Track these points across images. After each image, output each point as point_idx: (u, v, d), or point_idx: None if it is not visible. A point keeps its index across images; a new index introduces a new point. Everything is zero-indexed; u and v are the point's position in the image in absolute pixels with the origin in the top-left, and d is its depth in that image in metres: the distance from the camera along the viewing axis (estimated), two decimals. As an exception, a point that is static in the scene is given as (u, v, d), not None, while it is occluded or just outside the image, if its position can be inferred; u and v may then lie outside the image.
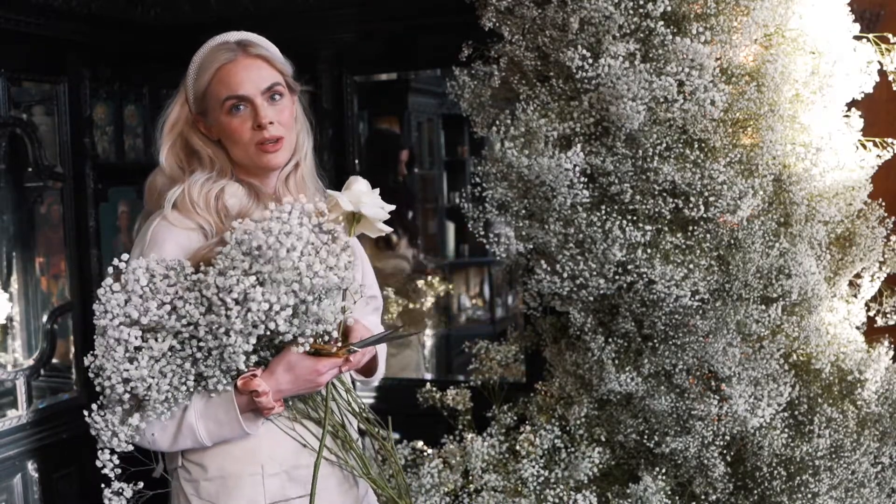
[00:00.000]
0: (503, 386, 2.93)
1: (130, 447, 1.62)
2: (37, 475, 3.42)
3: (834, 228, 2.44)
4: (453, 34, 2.59)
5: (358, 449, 1.80)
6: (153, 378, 1.58)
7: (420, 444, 2.90)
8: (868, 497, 2.35)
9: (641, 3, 2.18)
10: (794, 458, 2.30)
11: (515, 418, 2.69)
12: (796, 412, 2.36)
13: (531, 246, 2.40)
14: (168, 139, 1.84)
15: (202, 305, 1.57)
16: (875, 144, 2.44)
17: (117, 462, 1.61)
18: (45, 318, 3.56)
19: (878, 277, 2.50)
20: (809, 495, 2.28)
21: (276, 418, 1.75)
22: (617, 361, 2.38)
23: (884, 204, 2.47)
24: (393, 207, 1.72)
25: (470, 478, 2.61)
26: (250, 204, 1.80)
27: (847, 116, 2.42)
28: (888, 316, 2.52)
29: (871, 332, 2.50)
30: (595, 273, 2.29)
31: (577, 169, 2.23)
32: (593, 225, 2.27)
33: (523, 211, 2.38)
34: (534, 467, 2.44)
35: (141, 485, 1.65)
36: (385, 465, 1.93)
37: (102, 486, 1.62)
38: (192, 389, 1.64)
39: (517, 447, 2.55)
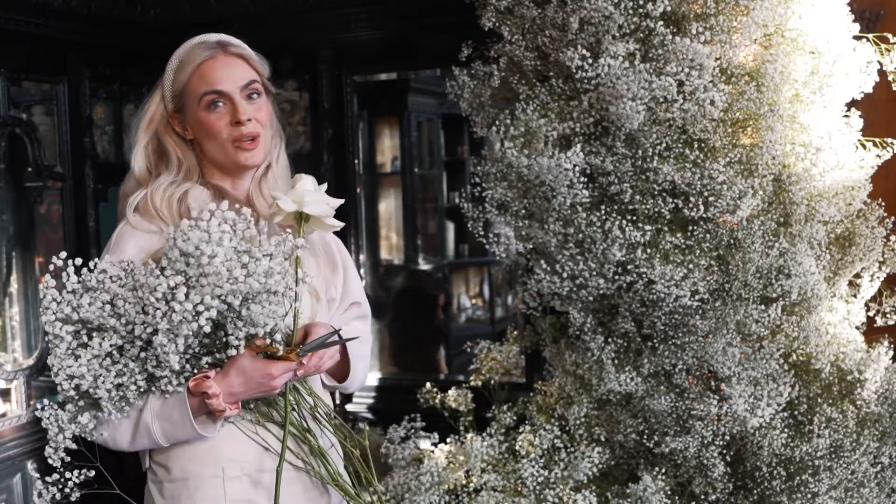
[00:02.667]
0: (503, 386, 2.93)
1: (73, 445, 1.63)
2: (36, 475, 3.41)
3: (834, 228, 2.44)
4: (453, 34, 2.59)
5: (328, 455, 1.77)
6: (95, 376, 1.59)
7: (421, 444, 2.91)
8: (868, 497, 2.35)
9: (641, 2, 2.18)
10: (793, 458, 2.30)
11: (515, 418, 2.70)
12: (796, 412, 2.36)
13: (531, 246, 2.40)
14: (143, 138, 1.86)
15: (139, 305, 1.58)
16: (875, 144, 2.44)
17: (63, 456, 1.63)
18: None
19: (878, 277, 2.50)
20: (809, 495, 2.28)
21: (239, 421, 1.74)
22: (616, 361, 2.38)
23: (883, 204, 2.47)
24: (341, 202, 1.70)
25: (470, 477, 2.61)
26: (214, 207, 1.81)
27: (847, 116, 2.42)
28: (888, 316, 2.52)
29: (871, 332, 2.50)
30: (595, 273, 2.29)
31: (577, 169, 2.23)
32: (593, 225, 2.27)
33: (523, 211, 2.39)
34: (533, 467, 2.44)
35: (93, 473, 1.67)
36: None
37: (37, 476, 1.65)
38: (142, 389, 1.64)
39: (517, 447, 2.55)
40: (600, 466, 2.44)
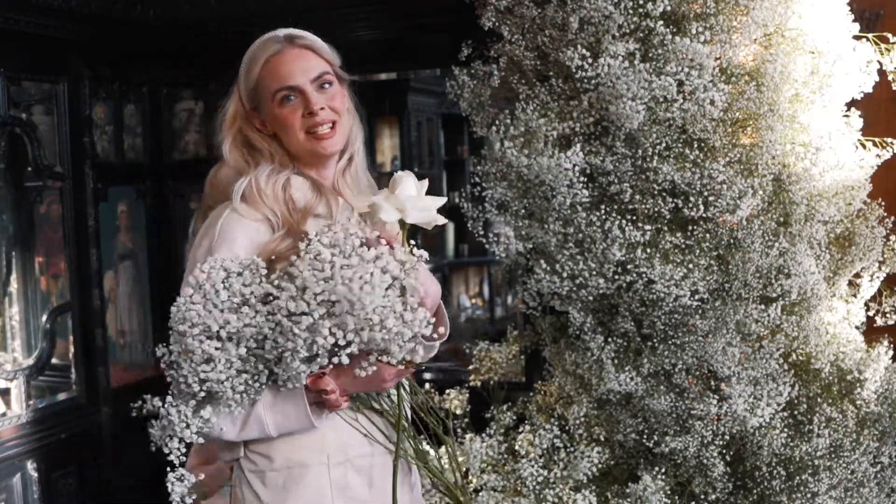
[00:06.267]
0: (503, 386, 2.93)
1: (201, 440, 1.64)
2: (36, 475, 3.42)
3: (833, 228, 2.44)
4: (453, 34, 2.59)
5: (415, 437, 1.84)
6: (229, 381, 1.60)
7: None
8: (867, 497, 2.35)
9: (641, 2, 2.18)
10: (793, 458, 2.30)
11: (515, 418, 2.70)
12: (796, 412, 2.36)
13: (531, 246, 2.40)
14: (228, 135, 1.86)
15: (273, 322, 1.58)
16: (875, 144, 2.44)
17: (184, 450, 1.64)
18: (44, 318, 3.56)
19: (878, 277, 2.50)
20: (809, 495, 2.28)
21: (341, 409, 1.78)
22: (616, 361, 2.38)
23: (883, 204, 2.47)
24: (443, 200, 1.69)
25: (470, 477, 2.61)
26: (314, 197, 1.82)
27: (847, 116, 2.43)
28: (888, 316, 2.52)
29: (871, 332, 2.50)
30: (594, 273, 2.29)
31: (577, 168, 2.23)
32: (593, 225, 2.27)
33: (523, 210, 2.39)
34: (533, 467, 2.44)
35: (202, 476, 1.71)
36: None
37: (168, 469, 1.65)
38: (264, 386, 1.66)
39: (516, 447, 2.55)
40: (600, 466, 2.44)
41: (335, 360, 1.56)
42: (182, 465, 1.63)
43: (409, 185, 1.64)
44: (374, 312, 1.51)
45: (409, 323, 1.54)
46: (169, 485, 1.64)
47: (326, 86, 1.83)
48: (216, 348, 1.57)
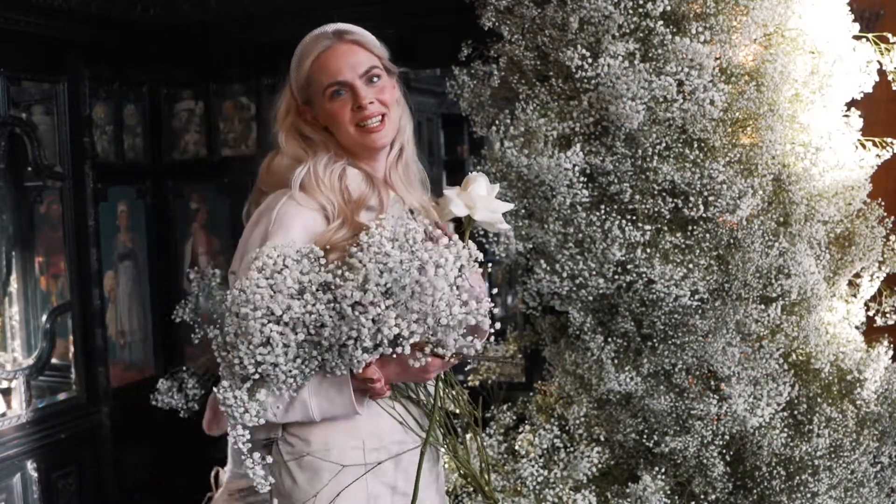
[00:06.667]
0: (503, 386, 2.93)
1: (262, 420, 1.67)
2: (36, 475, 3.42)
3: (833, 228, 2.45)
4: (453, 34, 2.59)
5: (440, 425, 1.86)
6: (285, 364, 1.63)
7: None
8: (867, 497, 2.35)
9: (641, 2, 2.18)
10: (793, 458, 2.30)
11: (515, 418, 2.69)
12: (795, 412, 2.36)
13: (531, 246, 2.40)
14: (283, 129, 1.90)
15: (334, 311, 1.60)
16: (874, 144, 2.44)
17: (248, 437, 1.67)
18: (44, 318, 3.56)
19: (878, 277, 2.50)
20: (809, 495, 2.27)
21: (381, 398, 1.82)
22: (616, 361, 2.38)
23: (883, 204, 2.47)
24: (511, 206, 1.72)
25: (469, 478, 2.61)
26: (367, 189, 1.84)
27: (847, 116, 2.43)
28: (887, 316, 2.52)
29: (871, 332, 2.51)
30: (594, 273, 2.29)
31: (577, 168, 2.23)
32: (593, 224, 2.28)
33: (523, 210, 2.39)
34: (533, 467, 2.44)
35: (269, 459, 1.73)
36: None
37: (244, 457, 1.68)
38: (314, 371, 1.69)
39: (517, 447, 2.55)
40: (600, 466, 2.44)
41: (398, 349, 1.58)
42: (249, 451, 1.67)
43: (481, 186, 1.70)
44: (441, 299, 1.55)
45: (474, 312, 1.58)
46: (250, 472, 1.68)
47: (375, 79, 1.86)
48: (280, 333, 1.60)
